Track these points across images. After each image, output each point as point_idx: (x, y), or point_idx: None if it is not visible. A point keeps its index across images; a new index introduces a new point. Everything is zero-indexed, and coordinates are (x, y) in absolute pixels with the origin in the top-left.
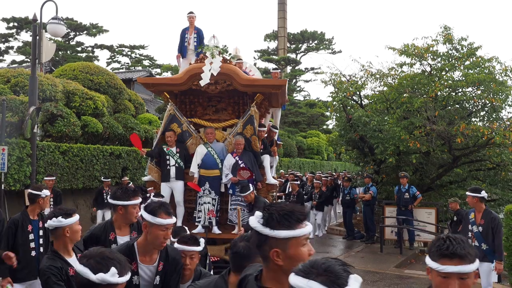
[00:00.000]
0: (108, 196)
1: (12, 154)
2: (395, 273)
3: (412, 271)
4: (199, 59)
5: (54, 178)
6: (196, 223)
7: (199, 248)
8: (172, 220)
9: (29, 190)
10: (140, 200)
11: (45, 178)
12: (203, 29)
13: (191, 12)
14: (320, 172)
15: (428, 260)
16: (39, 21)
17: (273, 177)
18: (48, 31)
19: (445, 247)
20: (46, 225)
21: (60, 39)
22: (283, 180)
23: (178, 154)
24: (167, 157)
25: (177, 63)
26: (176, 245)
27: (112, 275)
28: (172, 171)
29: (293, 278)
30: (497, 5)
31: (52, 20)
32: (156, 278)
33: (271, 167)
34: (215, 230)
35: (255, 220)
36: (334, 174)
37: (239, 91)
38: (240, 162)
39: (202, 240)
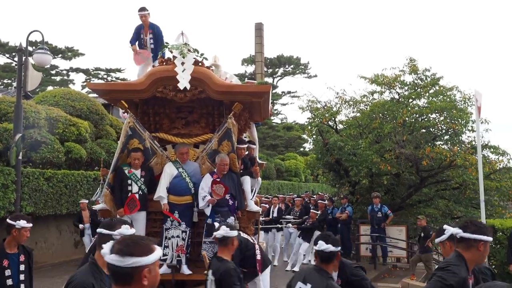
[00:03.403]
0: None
1: None
2: None
3: (385, 284)
4: (164, 60)
5: None
6: (161, 262)
7: None
8: None
9: (7, 219)
10: None
11: None
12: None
13: (142, 9)
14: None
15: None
16: (24, 49)
17: (255, 202)
18: (34, 60)
19: None
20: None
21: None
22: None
23: (142, 179)
24: (129, 181)
25: (134, 59)
26: None
27: None
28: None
29: None
30: (457, 39)
31: (39, 50)
32: None
33: (252, 190)
34: (184, 269)
35: None
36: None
37: (213, 100)
38: None
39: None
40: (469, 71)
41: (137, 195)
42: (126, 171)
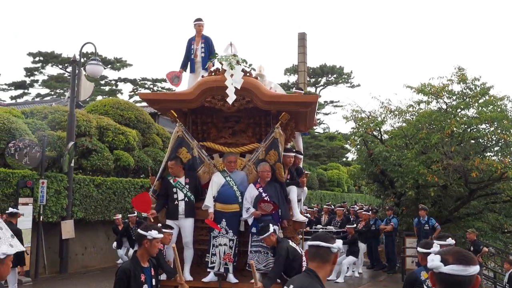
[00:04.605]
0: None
1: (51, 187)
2: None
3: None
4: (213, 71)
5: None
6: (209, 269)
7: None
8: None
9: (138, 230)
10: None
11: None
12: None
13: (198, 20)
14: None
15: None
16: (77, 61)
17: (301, 213)
18: (87, 71)
19: None
20: None
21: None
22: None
23: (187, 186)
24: (174, 189)
25: (169, 82)
26: None
27: None
28: (181, 206)
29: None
30: (508, 47)
31: (91, 61)
32: None
33: (299, 200)
34: (231, 278)
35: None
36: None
37: (260, 110)
38: (264, 194)
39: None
40: None
41: (183, 202)
42: (171, 180)
